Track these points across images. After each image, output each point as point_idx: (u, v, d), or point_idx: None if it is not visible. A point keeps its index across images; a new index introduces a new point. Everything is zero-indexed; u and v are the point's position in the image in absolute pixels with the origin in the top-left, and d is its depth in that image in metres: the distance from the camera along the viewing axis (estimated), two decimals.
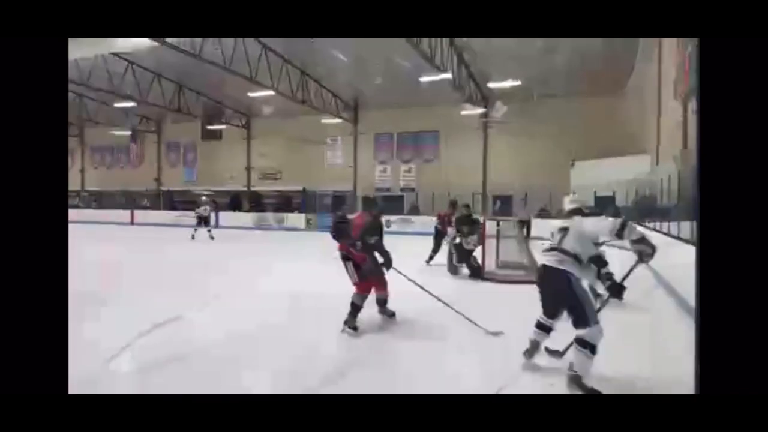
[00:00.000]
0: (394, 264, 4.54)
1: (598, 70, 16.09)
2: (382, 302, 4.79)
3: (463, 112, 19.13)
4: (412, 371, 3.53)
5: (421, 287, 4.90)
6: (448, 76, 14.64)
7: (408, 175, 21.93)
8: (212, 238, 13.76)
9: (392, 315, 4.79)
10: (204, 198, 15.38)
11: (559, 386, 3.06)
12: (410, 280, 4.88)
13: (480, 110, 19.27)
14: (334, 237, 4.50)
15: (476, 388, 3.14)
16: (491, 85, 17.33)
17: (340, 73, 18.32)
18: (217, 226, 18.78)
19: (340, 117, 21.23)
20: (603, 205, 12.41)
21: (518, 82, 15.93)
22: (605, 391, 2.91)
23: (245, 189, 24.73)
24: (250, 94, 17.74)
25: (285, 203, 23.80)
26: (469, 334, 4.33)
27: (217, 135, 24.76)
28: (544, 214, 17.11)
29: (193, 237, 13.78)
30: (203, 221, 14.03)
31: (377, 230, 4.59)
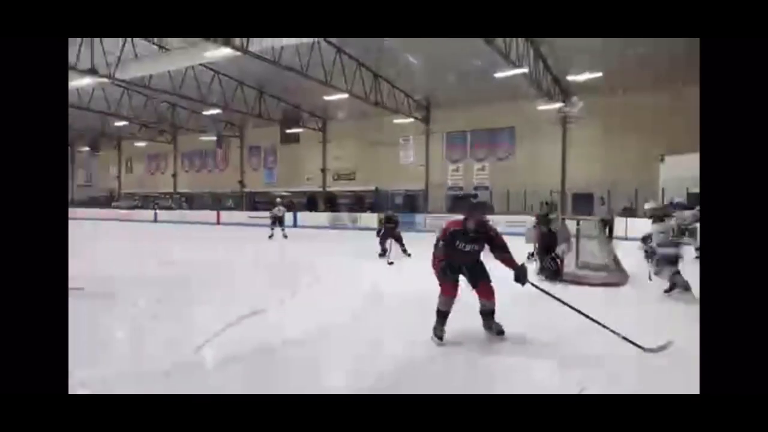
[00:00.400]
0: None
1: (688, 57, 14.82)
2: (485, 313, 4.15)
3: (540, 107, 18.44)
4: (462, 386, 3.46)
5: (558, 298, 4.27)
6: (523, 70, 14.19)
7: (481, 173, 21.51)
8: (285, 236, 14.34)
9: (500, 332, 4.08)
10: (279, 200, 16.12)
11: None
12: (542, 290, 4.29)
13: (558, 105, 18.47)
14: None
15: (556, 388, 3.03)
16: (570, 78, 16.57)
17: (412, 73, 18.36)
18: (295, 225, 19.57)
19: (413, 116, 21.28)
20: (696, 203, 11.44)
21: (599, 74, 15.09)
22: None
23: (321, 190, 25.53)
24: (326, 98, 18.30)
25: (358, 203, 24.27)
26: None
27: (295, 138, 25.79)
28: (627, 213, 16.08)
29: (270, 236, 14.40)
30: (278, 221, 14.65)
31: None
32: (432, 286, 4.32)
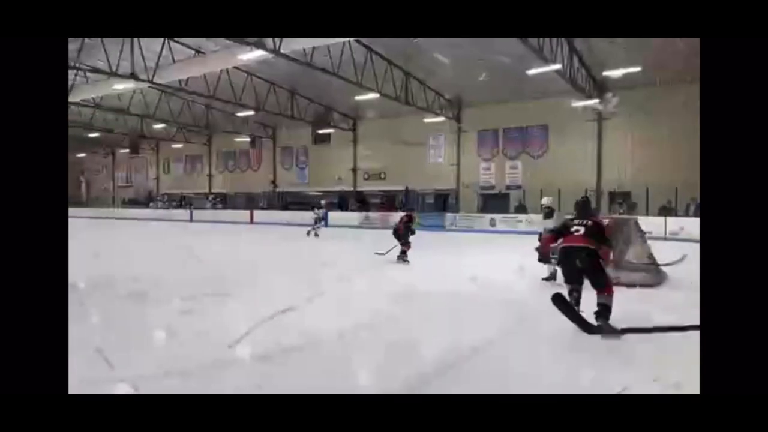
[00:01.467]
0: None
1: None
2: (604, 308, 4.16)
3: (575, 104, 17.99)
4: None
5: None
6: (557, 67, 13.88)
7: (514, 171, 21.17)
8: (317, 235, 15.34)
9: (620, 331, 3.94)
10: (323, 201, 17.51)
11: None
12: None
13: (593, 101, 17.98)
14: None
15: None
16: (606, 73, 16.11)
17: (442, 72, 18.23)
18: (326, 225, 19.76)
19: (443, 115, 21.13)
20: None
21: (638, 68, 14.60)
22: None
23: (352, 189, 25.69)
24: (357, 98, 18.38)
25: (389, 202, 24.29)
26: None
27: (326, 138, 26.04)
28: (665, 212, 15.53)
29: (308, 234, 15.39)
30: (318, 221, 15.75)
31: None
32: (461, 287, 4.29)
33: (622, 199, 16.99)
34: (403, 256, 9.02)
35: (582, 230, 4.45)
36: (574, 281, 4.52)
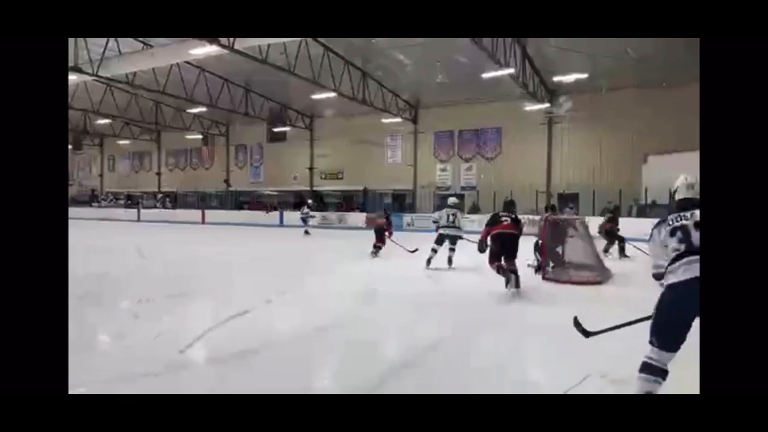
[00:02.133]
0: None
1: (671, 59, 15.09)
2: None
3: (527, 108, 18.59)
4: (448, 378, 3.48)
5: None
6: (510, 71, 14.28)
7: (469, 173, 21.62)
8: (308, 233, 16.24)
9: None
10: (310, 201, 18.33)
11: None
12: None
13: (544, 105, 18.64)
14: None
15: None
16: (556, 79, 16.72)
17: (399, 73, 18.37)
18: (281, 224, 19.48)
19: (400, 116, 21.29)
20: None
21: (585, 75, 15.26)
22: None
23: (308, 189, 25.42)
24: (313, 96, 18.20)
25: (346, 202, 24.22)
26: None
27: (282, 137, 25.64)
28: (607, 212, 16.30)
29: (306, 233, 16.20)
30: (305, 221, 16.49)
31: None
32: (419, 286, 4.34)
33: (572, 202, 17.69)
34: (376, 251, 9.66)
35: (508, 220, 6.17)
36: (499, 258, 6.02)
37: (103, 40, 14.64)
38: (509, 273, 5.86)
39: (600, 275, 7.07)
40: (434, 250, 8.10)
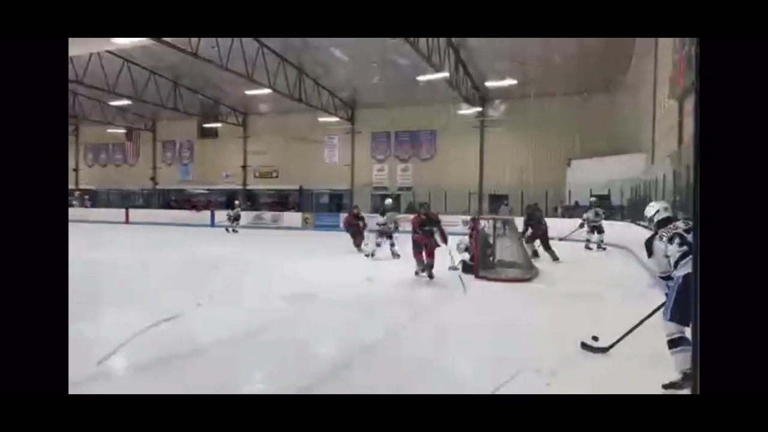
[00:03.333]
0: None
1: (594, 68, 16.15)
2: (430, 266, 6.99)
3: (460, 111, 19.17)
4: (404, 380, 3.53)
5: None
6: (445, 75, 14.64)
7: (405, 173, 21.94)
8: (236, 231, 16.48)
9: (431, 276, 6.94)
10: (237, 201, 18.20)
11: (555, 386, 3.07)
12: None
13: (477, 109, 19.31)
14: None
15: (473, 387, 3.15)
16: (488, 84, 17.36)
17: (337, 72, 18.28)
18: (212, 225, 18.77)
19: (338, 115, 21.20)
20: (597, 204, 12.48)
21: (515, 81, 15.97)
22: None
23: (241, 188, 24.68)
24: (247, 92, 17.70)
25: (281, 202, 23.75)
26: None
27: (213, 133, 24.68)
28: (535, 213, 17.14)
29: (227, 230, 16.45)
30: (233, 219, 16.63)
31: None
32: (356, 287, 4.34)
33: (506, 200, 18.41)
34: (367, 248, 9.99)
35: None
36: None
37: None
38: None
39: (528, 273, 7.42)
40: (378, 245, 9.40)
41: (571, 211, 15.84)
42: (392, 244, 9.35)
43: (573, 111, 18.33)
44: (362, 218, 10.99)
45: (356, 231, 10.76)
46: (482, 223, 7.97)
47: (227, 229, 16.52)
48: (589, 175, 16.08)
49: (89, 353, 3.57)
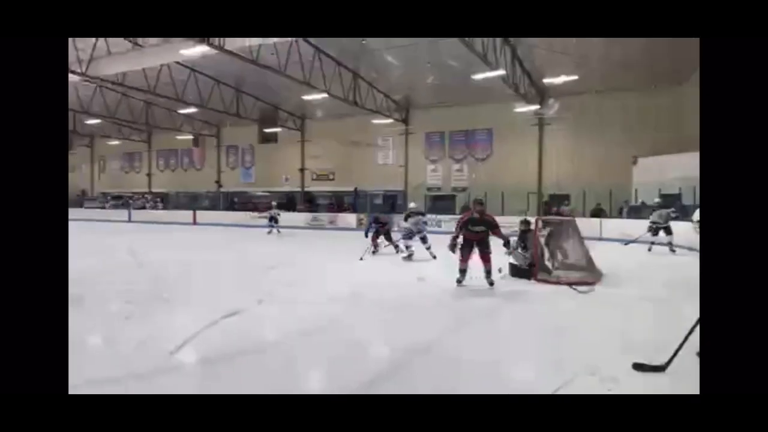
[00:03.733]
0: None
1: (661, 62, 15.24)
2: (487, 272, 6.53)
3: (517, 109, 18.69)
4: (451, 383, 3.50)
5: None
6: (501, 73, 14.35)
7: (459, 174, 21.68)
8: (279, 231, 16.64)
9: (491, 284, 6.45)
10: (274, 203, 18.16)
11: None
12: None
13: (535, 107, 18.75)
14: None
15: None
16: (547, 80, 16.83)
17: (391, 74, 18.39)
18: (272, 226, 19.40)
19: (391, 117, 21.31)
20: (669, 203, 11.80)
21: (575, 77, 15.37)
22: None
23: (299, 190, 25.36)
24: (304, 97, 18.17)
25: (337, 203, 24.18)
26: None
27: (273, 138, 25.55)
28: (598, 213, 16.40)
29: (269, 232, 16.48)
30: (274, 221, 16.72)
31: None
32: (409, 287, 4.35)
33: (567, 200, 17.73)
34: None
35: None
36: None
37: (92, 40, 14.53)
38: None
39: (590, 276, 7.13)
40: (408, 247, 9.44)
41: (638, 211, 15.04)
42: (428, 247, 9.34)
43: (639, 106, 17.38)
44: (385, 222, 10.62)
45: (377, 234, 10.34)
46: (540, 224, 7.75)
47: (269, 232, 16.57)
48: (658, 173, 15.20)
49: (161, 346, 3.82)
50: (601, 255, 8.26)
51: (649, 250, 11.11)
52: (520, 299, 5.97)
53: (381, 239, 10.32)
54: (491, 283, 6.45)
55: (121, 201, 29.70)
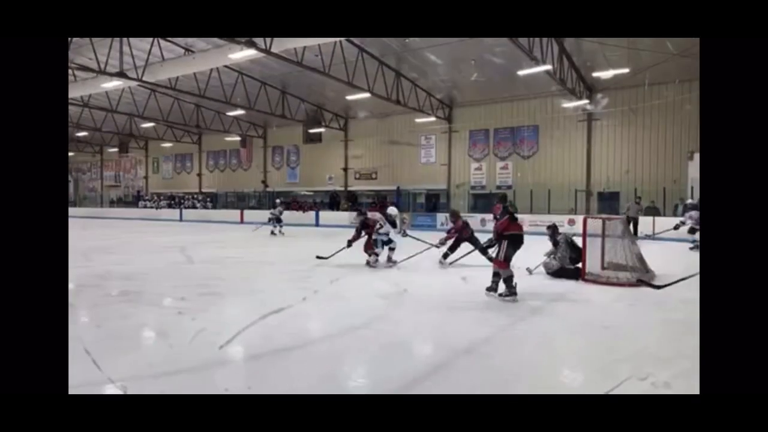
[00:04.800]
0: None
1: None
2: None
3: (565, 105, 18.15)
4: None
5: None
6: (547, 68, 13.97)
7: (504, 171, 21.29)
8: (282, 233, 15.82)
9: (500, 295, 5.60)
10: (278, 200, 18.13)
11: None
12: None
13: (583, 102, 18.15)
14: None
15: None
16: (596, 74, 16.26)
17: (434, 72, 18.28)
18: (317, 224, 19.72)
19: (434, 115, 21.20)
20: None
21: (625, 70, 14.76)
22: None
23: (343, 189, 25.67)
24: (348, 97, 18.37)
25: (380, 202, 24.29)
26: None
27: (317, 138, 25.98)
28: (653, 212, 15.69)
29: (273, 233, 15.82)
30: (277, 220, 16.16)
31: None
32: (453, 286, 4.31)
33: (638, 197, 16.88)
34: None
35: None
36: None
37: (147, 46, 15.24)
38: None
39: (641, 276, 6.84)
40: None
41: (696, 209, 14.27)
42: (391, 249, 8.66)
43: (695, 98, 16.49)
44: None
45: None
46: (590, 223, 7.50)
47: (272, 232, 15.84)
48: None
49: (211, 341, 3.97)
50: (655, 255, 7.90)
51: (693, 248, 10.94)
52: (568, 300, 5.80)
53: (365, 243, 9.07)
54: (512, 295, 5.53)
55: (173, 200, 31.04)
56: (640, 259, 7.36)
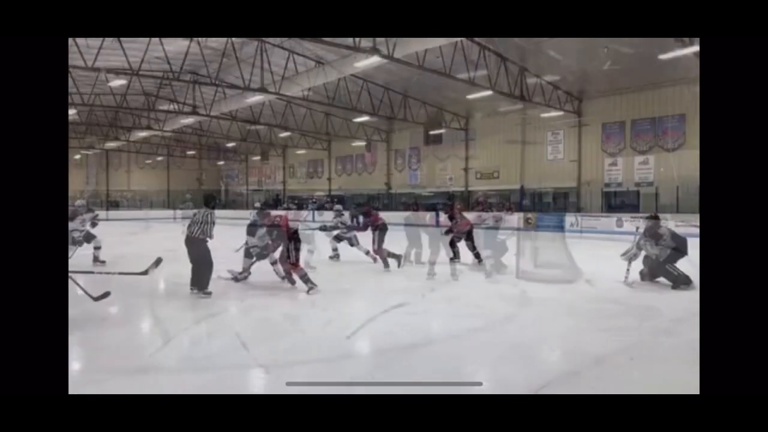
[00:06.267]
0: None
1: None
2: None
3: None
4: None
5: None
6: (695, 49, 12.40)
7: (644, 167, 19.31)
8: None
9: None
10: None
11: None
12: None
13: None
14: None
15: None
16: None
17: (560, 64, 17.26)
18: (437, 225, 19.79)
19: (562, 109, 20.00)
20: None
21: None
22: None
23: (463, 189, 25.44)
24: (469, 97, 18.18)
25: (502, 202, 23.62)
26: None
27: (437, 139, 26.13)
28: None
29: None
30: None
31: None
32: (580, 291, 4.07)
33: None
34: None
35: None
36: None
37: (283, 61, 16.71)
38: None
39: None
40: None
41: None
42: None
43: None
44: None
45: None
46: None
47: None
48: None
49: (338, 333, 4.26)
50: None
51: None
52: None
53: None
54: None
55: (308, 202, 33.54)
56: None
